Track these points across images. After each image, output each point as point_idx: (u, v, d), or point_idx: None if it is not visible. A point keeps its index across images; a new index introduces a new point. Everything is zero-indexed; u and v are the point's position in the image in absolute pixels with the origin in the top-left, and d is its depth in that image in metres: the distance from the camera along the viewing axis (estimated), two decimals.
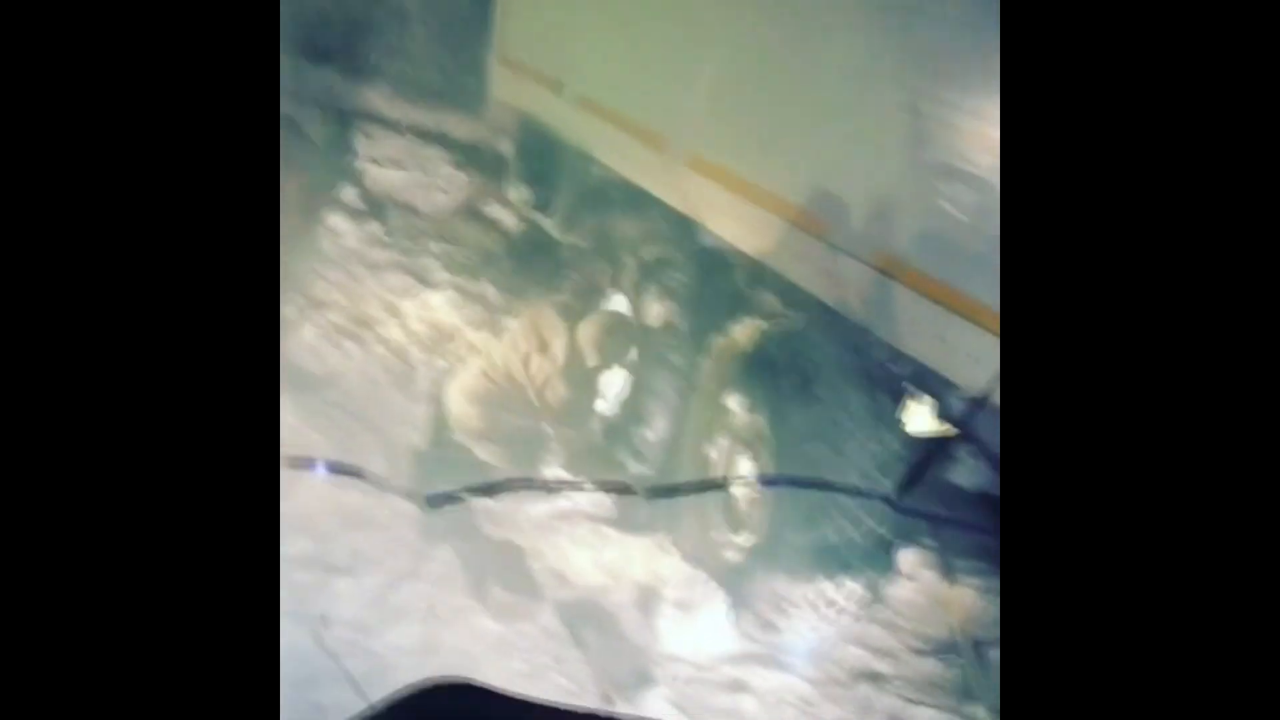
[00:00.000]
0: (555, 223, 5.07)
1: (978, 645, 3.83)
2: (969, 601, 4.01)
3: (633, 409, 4.51)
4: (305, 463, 3.81)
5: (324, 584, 3.82)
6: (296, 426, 4.52)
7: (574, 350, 4.28)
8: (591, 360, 4.32)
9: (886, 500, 3.34)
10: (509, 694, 0.78)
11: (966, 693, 3.60)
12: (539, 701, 0.79)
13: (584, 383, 4.37)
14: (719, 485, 4.06)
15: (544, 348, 4.28)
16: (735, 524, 3.98)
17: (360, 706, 0.86)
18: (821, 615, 3.63)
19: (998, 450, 3.11)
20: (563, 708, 0.86)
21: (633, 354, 4.56)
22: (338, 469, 4.00)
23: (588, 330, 4.33)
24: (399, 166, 7.37)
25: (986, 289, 2.91)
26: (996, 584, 4.11)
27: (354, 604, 3.74)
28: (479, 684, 0.78)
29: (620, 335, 4.40)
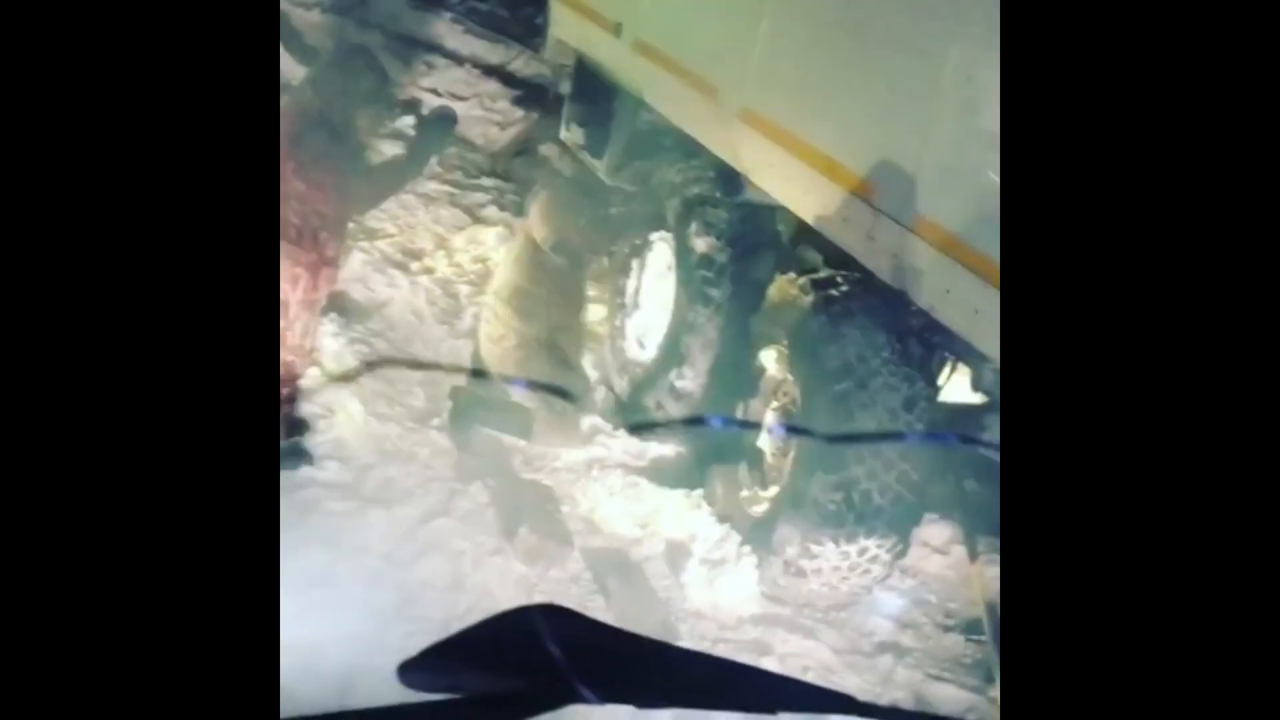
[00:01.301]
0: (605, 165, 5.03)
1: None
2: (995, 580, 4.00)
3: (672, 348, 4.51)
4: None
5: (358, 513, 3.90)
6: (337, 352, 4.58)
7: (526, 240, 4.41)
8: (540, 233, 4.38)
9: (899, 436, 3.37)
10: (612, 626, 0.78)
11: (989, 672, 3.60)
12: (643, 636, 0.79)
13: (541, 269, 4.41)
14: (701, 421, 4.13)
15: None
16: (764, 481, 4.00)
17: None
18: (851, 562, 3.65)
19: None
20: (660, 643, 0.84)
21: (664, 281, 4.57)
22: (535, 386, 4.28)
23: (534, 208, 4.44)
24: (457, 98, 7.35)
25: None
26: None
27: (385, 536, 3.81)
28: (579, 614, 0.78)
29: (565, 204, 4.50)
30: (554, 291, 4.39)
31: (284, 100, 3.83)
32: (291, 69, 6.04)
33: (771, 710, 0.70)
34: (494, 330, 4.41)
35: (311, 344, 3.94)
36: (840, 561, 3.62)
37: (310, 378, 4.12)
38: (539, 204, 4.41)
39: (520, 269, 4.36)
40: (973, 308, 3.02)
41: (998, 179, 2.96)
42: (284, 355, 3.76)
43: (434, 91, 7.31)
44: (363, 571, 3.59)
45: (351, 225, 5.43)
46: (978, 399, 3.58)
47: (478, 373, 4.52)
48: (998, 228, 2.91)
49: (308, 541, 3.64)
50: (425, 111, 6.89)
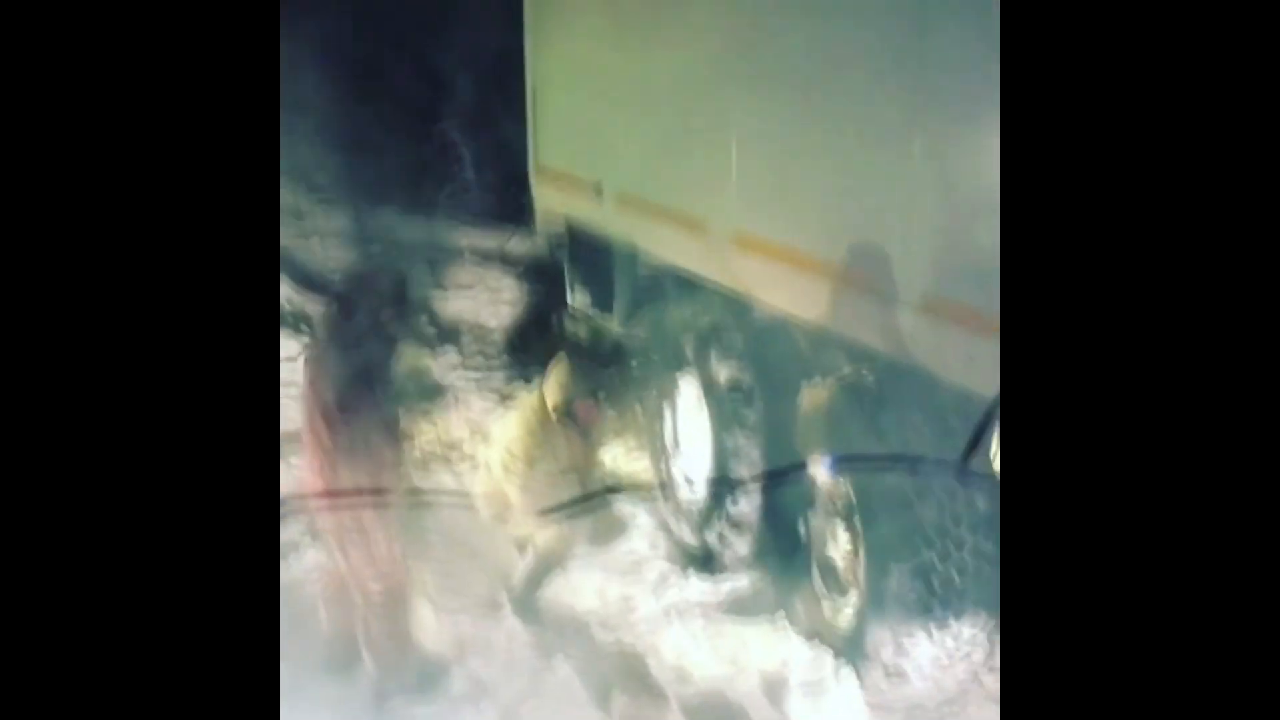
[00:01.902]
0: (616, 319, 5.13)
1: None
2: None
3: (721, 478, 4.50)
4: None
5: (450, 714, 3.84)
6: (389, 558, 4.59)
7: (538, 402, 4.43)
8: (552, 400, 4.39)
9: (951, 467, 3.30)
10: None
11: None
12: None
13: (549, 434, 4.41)
14: (608, 491, 4.35)
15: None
16: (841, 588, 3.92)
17: None
18: (948, 650, 3.55)
19: None
20: None
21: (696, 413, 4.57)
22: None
23: (550, 376, 4.48)
24: (464, 289, 7.57)
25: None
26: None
27: None
28: None
29: (577, 374, 4.50)
30: (558, 451, 4.41)
31: (319, 325, 3.92)
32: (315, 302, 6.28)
33: None
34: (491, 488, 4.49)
35: (399, 551, 3.90)
36: (938, 652, 3.52)
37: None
38: (555, 372, 4.47)
39: (529, 432, 4.39)
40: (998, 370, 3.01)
41: (988, 242, 3.01)
42: (375, 570, 3.75)
43: (440, 288, 7.53)
44: None
45: None
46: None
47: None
48: (998, 288, 2.94)
49: None
50: (437, 309, 7.10)
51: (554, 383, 4.43)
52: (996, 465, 3.56)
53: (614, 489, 4.88)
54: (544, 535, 4.42)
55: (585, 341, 6.42)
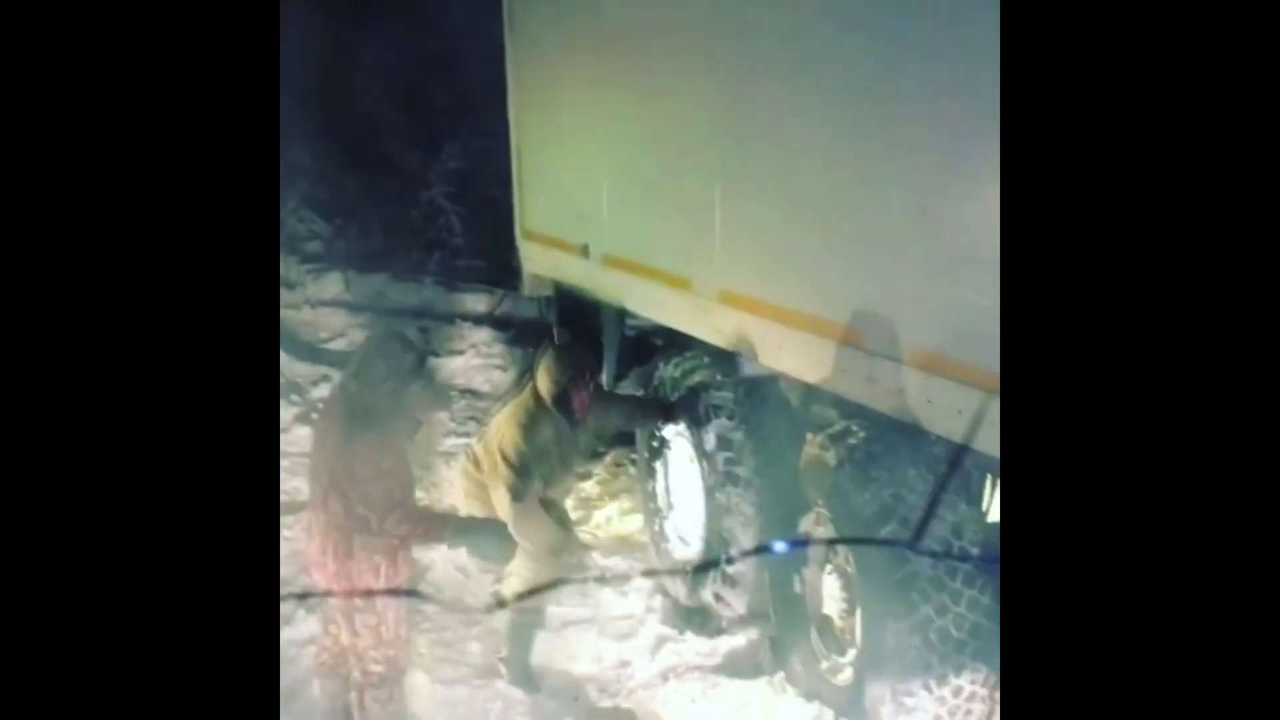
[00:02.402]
0: (605, 379, 5.14)
1: None
2: None
3: (715, 536, 4.48)
4: None
5: None
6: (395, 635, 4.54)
7: (530, 395, 4.25)
8: (544, 386, 4.20)
9: (904, 545, 3.27)
10: None
11: None
12: None
13: (540, 425, 4.20)
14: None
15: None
16: (839, 646, 3.89)
17: None
18: (949, 706, 3.50)
19: None
20: None
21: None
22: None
23: (540, 364, 4.26)
24: (455, 353, 7.60)
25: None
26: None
27: None
28: None
29: (565, 361, 4.25)
30: (552, 446, 4.22)
31: (330, 397, 3.86)
32: (308, 371, 6.26)
33: None
34: (469, 484, 4.32)
35: (405, 631, 3.86)
36: (938, 708, 3.48)
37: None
38: (544, 361, 4.25)
39: (518, 424, 4.18)
40: (988, 421, 3.01)
41: (975, 295, 3.02)
42: (384, 650, 3.71)
43: (431, 352, 7.55)
44: None
45: None
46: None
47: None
48: (985, 340, 2.96)
49: None
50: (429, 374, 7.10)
51: (544, 372, 4.18)
52: (994, 519, 3.57)
53: (601, 579, 4.77)
54: (513, 587, 4.31)
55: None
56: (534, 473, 4.12)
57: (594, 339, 5.23)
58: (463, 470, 4.38)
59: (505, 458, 4.11)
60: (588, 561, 5.07)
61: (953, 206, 3.12)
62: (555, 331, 5.72)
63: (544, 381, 4.19)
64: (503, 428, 4.20)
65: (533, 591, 4.19)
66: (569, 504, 4.73)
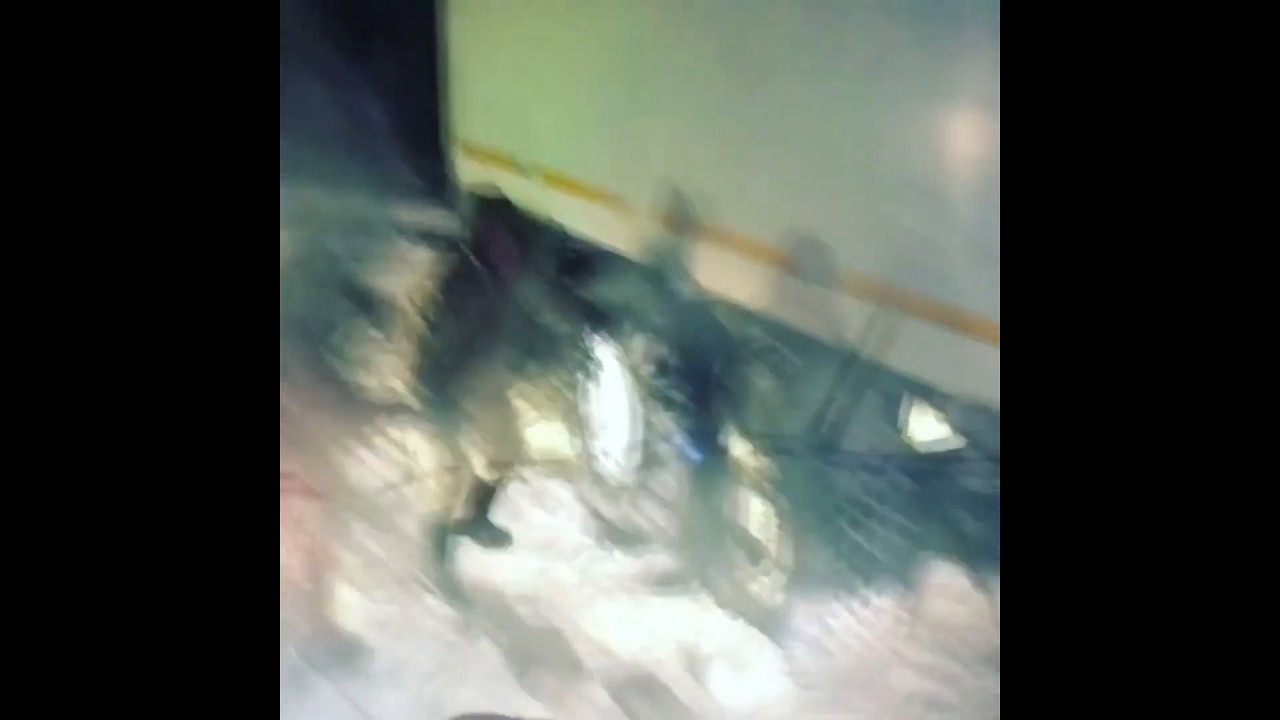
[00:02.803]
0: (540, 296, 5.08)
1: None
2: None
3: (645, 457, 4.51)
4: None
5: (372, 698, 3.80)
6: (324, 552, 4.52)
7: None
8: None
9: (813, 452, 3.35)
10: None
11: None
12: None
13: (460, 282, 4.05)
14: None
15: None
16: (764, 565, 3.96)
17: None
18: (869, 625, 3.61)
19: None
20: None
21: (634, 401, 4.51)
22: None
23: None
24: (387, 268, 7.45)
25: (956, 295, 2.91)
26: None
27: (403, 713, 3.72)
28: (501, 716, 0.78)
29: (493, 213, 4.07)
30: (473, 303, 3.98)
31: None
32: None
33: None
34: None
35: (334, 550, 3.84)
36: (858, 627, 3.58)
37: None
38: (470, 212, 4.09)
39: (435, 274, 4.05)
40: (918, 346, 3.05)
41: (912, 222, 3.04)
42: (311, 563, 3.67)
43: (366, 269, 7.40)
44: None
45: None
46: (948, 434, 3.59)
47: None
48: (919, 267, 2.99)
49: None
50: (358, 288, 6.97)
51: (468, 223, 4.01)
52: (913, 441, 3.65)
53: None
54: (482, 455, 4.29)
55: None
56: (448, 332, 3.92)
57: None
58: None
59: (416, 306, 3.94)
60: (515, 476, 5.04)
61: (893, 132, 3.12)
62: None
63: (467, 231, 4.00)
64: (421, 283, 4.04)
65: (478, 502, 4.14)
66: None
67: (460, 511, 4.31)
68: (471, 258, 3.98)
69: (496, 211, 4.07)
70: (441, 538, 4.31)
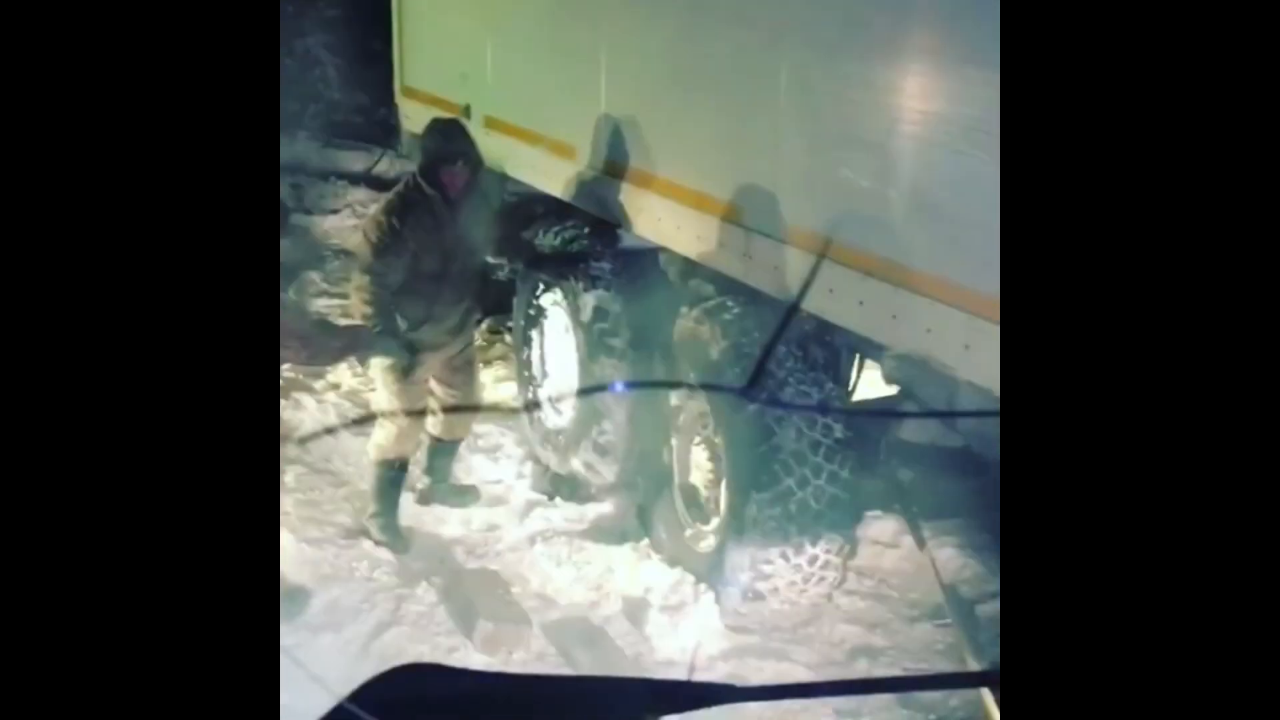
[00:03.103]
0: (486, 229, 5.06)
1: (967, 603, 3.84)
2: (950, 561, 4.04)
3: (587, 408, 4.51)
4: None
5: (308, 642, 3.80)
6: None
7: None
8: (417, 163, 4.06)
9: (739, 392, 3.39)
10: (472, 670, 0.79)
11: (961, 654, 3.61)
12: (504, 673, 0.80)
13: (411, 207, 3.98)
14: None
15: None
16: (704, 515, 4.00)
17: None
18: (804, 573, 3.66)
19: (942, 408, 3.14)
20: (527, 675, 0.86)
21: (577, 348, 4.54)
22: None
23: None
24: (330, 211, 7.37)
25: (896, 250, 2.93)
26: (974, 539, 4.14)
27: (339, 659, 3.72)
28: (443, 666, 0.79)
29: (448, 139, 3.99)
30: (425, 222, 3.96)
31: None
32: None
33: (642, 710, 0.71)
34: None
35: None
36: (794, 575, 3.63)
37: None
38: (425, 135, 4.01)
39: (386, 201, 4.01)
40: (856, 300, 3.08)
41: (853, 175, 3.06)
42: None
43: (305, 210, 7.31)
44: (323, 698, 3.49)
45: None
46: (891, 390, 3.64)
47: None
48: (864, 221, 3.01)
49: None
50: (300, 232, 6.88)
51: (418, 150, 3.99)
52: (849, 392, 3.68)
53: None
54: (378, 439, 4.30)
55: None
56: (398, 252, 3.89)
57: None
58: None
59: (366, 236, 3.92)
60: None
61: (835, 85, 3.12)
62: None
63: (417, 157, 3.98)
64: (373, 214, 4.02)
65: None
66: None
67: (424, 476, 4.35)
68: (421, 181, 3.95)
69: (447, 134, 4.02)
70: (390, 487, 4.31)
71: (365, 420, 4.64)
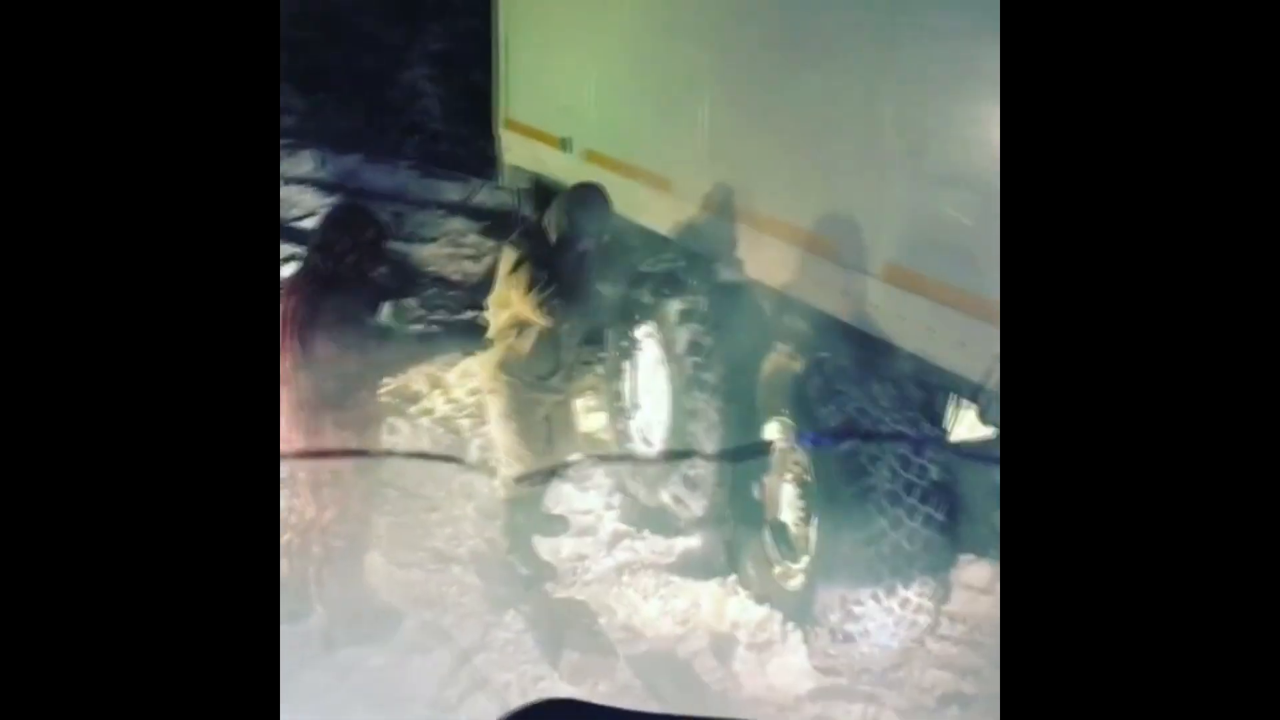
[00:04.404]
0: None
1: None
2: None
3: (678, 439, 4.51)
4: None
5: (399, 664, 3.86)
6: (358, 512, 4.58)
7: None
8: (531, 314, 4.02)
9: (846, 439, 3.34)
10: (610, 708, 0.80)
11: None
12: (640, 712, 0.81)
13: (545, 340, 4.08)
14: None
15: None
16: (793, 552, 3.96)
17: None
18: (895, 616, 3.59)
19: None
20: (663, 715, 0.87)
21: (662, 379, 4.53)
22: None
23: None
24: (428, 240, 7.52)
25: (991, 287, 2.89)
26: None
27: (429, 681, 3.77)
28: (580, 701, 0.81)
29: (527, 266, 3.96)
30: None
31: (294, 273, 3.80)
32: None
33: None
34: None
35: (368, 509, 3.92)
36: (885, 618, 3.56)
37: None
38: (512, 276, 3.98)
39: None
40: (958, 340, 3.04)
41: (953, 213, 3.02)
42: (344, 525, 3.77)
43: (404, 239, 7.47)
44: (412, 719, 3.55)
45: None
46: (987, 431, 3.58)
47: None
48: (961, 259, 2.97)
49: (351, 702, 3.61)
50: (398, 259, 7.02)
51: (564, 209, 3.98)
52: (945, 432, 3.63)
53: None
54: (508, 487, 4.34)
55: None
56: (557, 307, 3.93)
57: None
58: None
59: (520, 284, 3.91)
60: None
61: (939, 123, 3.10)
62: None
63: (559, 221, 3.98)
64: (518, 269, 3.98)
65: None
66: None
67: (516, 502, 4.34)
68: (560, 241, 3.95)
69: (589, 205, 4.01)
70: (523, 519, 4.36)
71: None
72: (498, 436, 4.29)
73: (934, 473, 3.47)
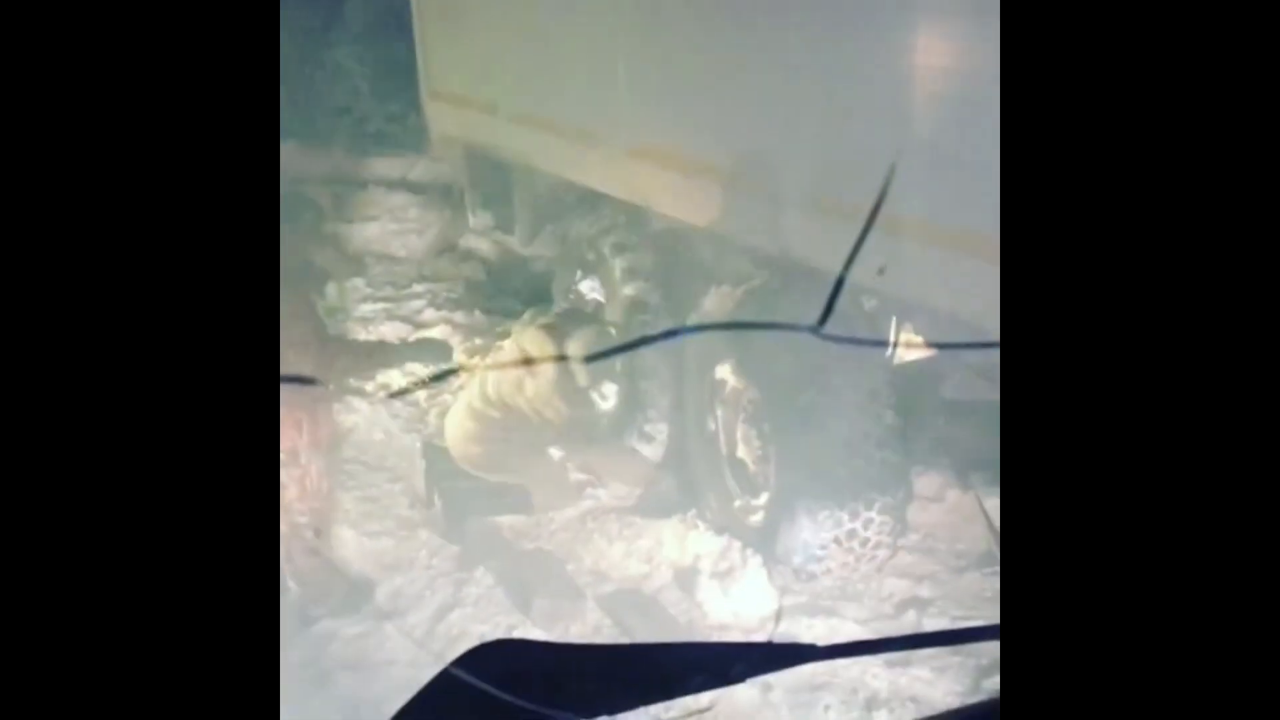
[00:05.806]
0: (518, 238, 5.17)
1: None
2: (996, 508, 4.08)
3: (632, 396, 4.60)
4: None
5: (376, 630, 3.95)
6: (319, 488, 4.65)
7: (564, 371, 4.33)
8: (582, 380, 4.38)
9: (810, 330, 3.41)
10: (555, 642, 0.83)
11: None
12: (582, 644, 0.84)
13: (581, 400, 4.43)
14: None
15: (534, 370, 4.33)
16: (752, 488, 4.07)
17: None
18: (855, 553, 3.71)
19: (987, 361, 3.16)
20: (604, 645, 0.90)
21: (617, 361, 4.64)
22: None
23: (575, 350, 4.27)
24: (369, 219, 7.52)
25: (925, 208, 2.96)
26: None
27: (406, 643, 3.86)
28: (534, 640, 0.83)
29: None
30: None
31: None
32: None
33: (730, 675, 0.76)
34: (472, 431, 4.42)
35: (329, 485, 4.00)
36: (846, 557, 3.68)
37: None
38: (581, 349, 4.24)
39: (514, 386, 4.33)
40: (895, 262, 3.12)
41: (868, 139, 3.11)
42: (308, 502, 3.84)
43: (345, 220, 7.47)
44: (393, 683, 3.63)
45: None
46: (927, 345, 3.67)
47: None
48: (893, 183, 3.03)
49: (333, 671, 3.70)
50: (342, 241, 7.03)
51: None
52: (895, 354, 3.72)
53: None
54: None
55: (494, 264, 6.46)
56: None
57: (505, 199, 5.24)
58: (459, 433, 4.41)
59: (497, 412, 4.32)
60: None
61: (849, 53, 3.17)
62: (467, 195, 5.70)
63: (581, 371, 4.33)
64: (495, 389, 4.32)
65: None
66: None
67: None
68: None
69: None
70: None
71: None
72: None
73: (888, 417, 3.57)
